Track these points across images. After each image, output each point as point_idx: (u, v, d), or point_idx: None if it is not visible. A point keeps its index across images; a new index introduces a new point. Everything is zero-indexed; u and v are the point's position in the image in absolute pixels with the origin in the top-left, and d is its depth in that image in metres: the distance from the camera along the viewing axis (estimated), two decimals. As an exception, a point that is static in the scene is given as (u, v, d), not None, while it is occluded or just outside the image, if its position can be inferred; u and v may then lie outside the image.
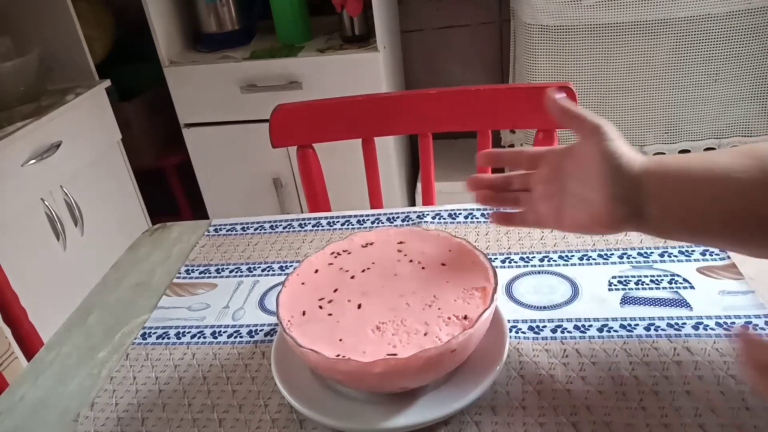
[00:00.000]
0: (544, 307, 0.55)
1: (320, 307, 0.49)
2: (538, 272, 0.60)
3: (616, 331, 0.51)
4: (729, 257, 0.58)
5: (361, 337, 0.45)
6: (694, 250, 0.60)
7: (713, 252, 0.59)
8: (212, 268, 0.69)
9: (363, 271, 0.52)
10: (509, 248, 0.65)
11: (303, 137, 0.93)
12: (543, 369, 0.49)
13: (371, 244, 0.56)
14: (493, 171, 0.62)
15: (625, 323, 0.52)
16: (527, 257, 0.63)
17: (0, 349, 0.96)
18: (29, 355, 0.85)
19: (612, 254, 0.61)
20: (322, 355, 0.43)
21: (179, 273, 0.69)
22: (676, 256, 0.59)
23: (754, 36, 1.26)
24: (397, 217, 0.74)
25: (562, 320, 0.53)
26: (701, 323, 0.51)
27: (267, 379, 0.52)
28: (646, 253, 0.61)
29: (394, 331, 0.45)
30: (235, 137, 1.69)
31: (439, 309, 0.47)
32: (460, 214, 0.73)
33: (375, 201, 0.97)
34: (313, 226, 0.75)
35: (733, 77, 1.31)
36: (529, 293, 0.58)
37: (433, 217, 0.72)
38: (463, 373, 0.47)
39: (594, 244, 0.63)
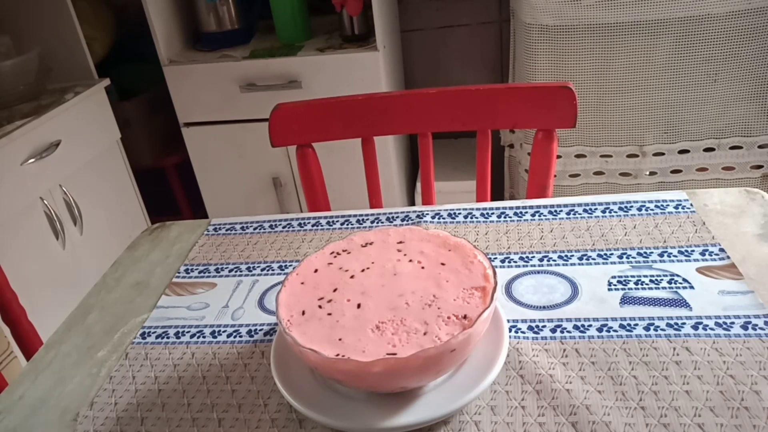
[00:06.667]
0: (544, 307, 0.55)
1: (320, 306, 0.49)
2: (538, 272, 0.60)
3: (615, 330, 0.51)
4: (729, 257, 0.58)
5: (361, 337, 0.45)
6: (693, 250, 0.60)
7: (713, 252, 0.59)
8: (211, 268, 0.69)
9: (362, 270, 0.52)
10: (509, 248, 0.65)
11: (302, 136, 0.93)
12: (542, 369, 0.49)
13: (371, 243, 0.56)
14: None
15: (624, 323, 0.52)
16: (527, 257, 0.63)
17: (-1, 348, 0.96)
18: (28, 354, 0.85)
19: (611, 254, 0.61)
20: (322, 354, 0.43)
21: (178, 272, 0.69)
22: (675, 256, 0.59)
23: (754, 36, 1.26)
24: (397, 217, 0.74)
25: (561, 320, 0.53)
26: (701, 323, 0.51)
27: (266, 379, 0.52)
28: (645, 253, 0.61)
29: (394, 330, 0.45)
30: (235, 136, 1.69)
31: (438, 308, 0.47)
32: (459, 213, 0.73)
33: (374, 200, 0.97)
34: (312, 226, 0.75)
35: (733, 77, 1.31)
36: (528, 293, 0.58)
37: (433, 217, 0.72)
38: (463, 372, 0.47)
39: (594, 244, 0.63)
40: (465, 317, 0.45)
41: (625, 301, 0.55)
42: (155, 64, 1.64)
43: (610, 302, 0.55)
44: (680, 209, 0.67)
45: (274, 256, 0.70)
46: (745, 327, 0.50)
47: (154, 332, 0.60)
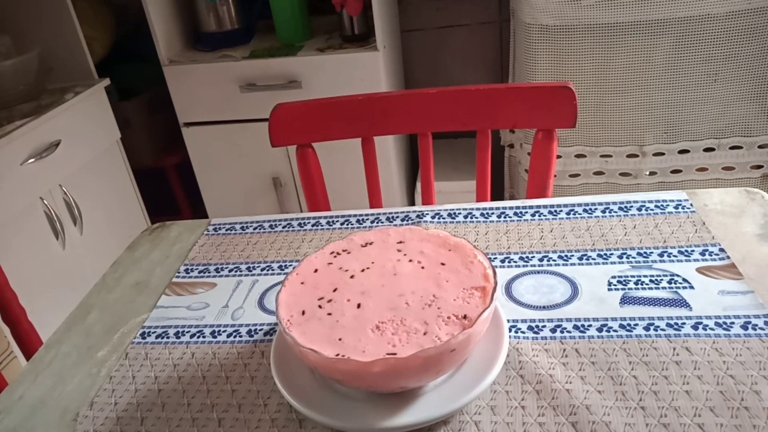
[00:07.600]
0: (544, 307, 0.55)
1: (320, 306, 0.49)
2: (538, 272, 0.60)
3: (615, 330, 0.51)
4: (729, 257, 0.58)
5: (361, 337, 0.45)
6: (693, 250, 0.60)
7: (713, 252, 0.59)
8: (211, 268, 0.69)
9: (362, 270, 0.52)
10: (509, 248, 0.65)
11: (302, 136, 0.93)
12: (542, 369, 0.49)
13: (371, 243, 0.56)
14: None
15: (624, 323, 0.52)
16: (527, 257, 0.63)
17: (-1, 348, 0.96)
18: (28, 354, 0.85)
19: (611, 254, 0.61)
20: (322, 354, 0.43)
21: (178, 272, 0.69)
22: (675, 256, 0.59)
23: (754, 36, 1.26)
24: (397, 217, 0.74)
25: (561, 320, 0.53)
26: (701, 323, 0.51)
27: (266, 379, 0.52)
28: (645, 253, 0.61)
29: (394, 330, 0.45)
30: (235, 136, 1.69)
31: (438, 308, 0.47)
32: (459, 213, 0.73)
33: (374, 200, 0.97)
34: (312, 226, 0.75)
35: (733, 77, 1.31)
36: (528, 293, 0.58)
37: (433, 217, 0.72)
38: (463, 372, 0.47)
39: (593, 244, 0.63)
40: (465, 317, 0.45)
41: (625, 301, 0.55)
42: (155, 64, 1.64)
43: (610, 302, 0.55)
44: (680, 209, 0.67)
45: (274, 256, 0.70)
46: (745, 327, 0.50)
47: (154, 332, 0.60)
